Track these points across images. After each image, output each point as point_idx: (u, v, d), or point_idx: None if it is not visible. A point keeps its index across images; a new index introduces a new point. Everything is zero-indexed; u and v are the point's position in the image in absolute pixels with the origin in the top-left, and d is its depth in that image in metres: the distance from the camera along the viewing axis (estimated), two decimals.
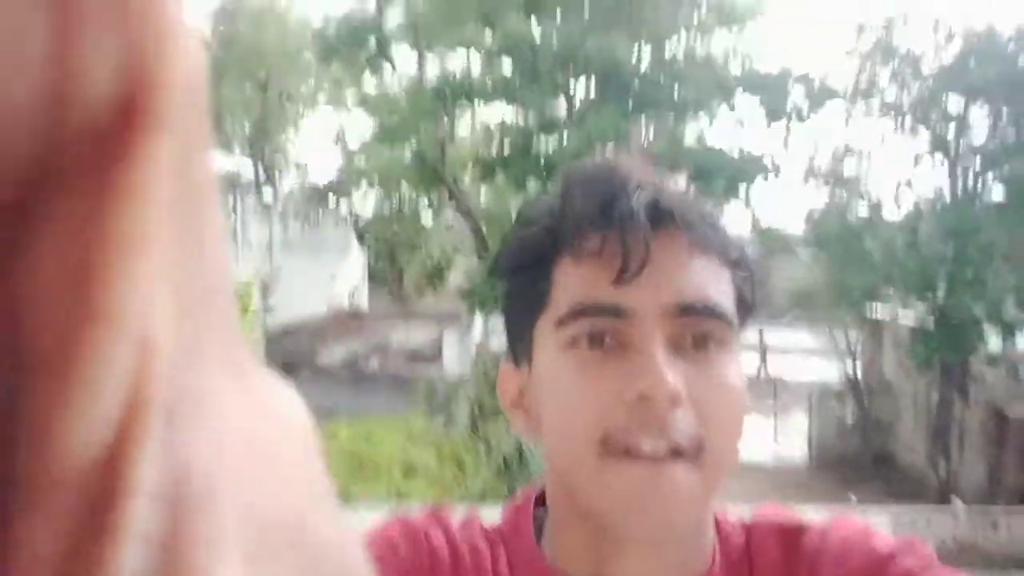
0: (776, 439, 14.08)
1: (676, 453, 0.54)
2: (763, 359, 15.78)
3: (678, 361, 0.55)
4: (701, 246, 0.58)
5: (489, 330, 18.42)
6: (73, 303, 0.11)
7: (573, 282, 0.58)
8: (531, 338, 0.61)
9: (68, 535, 0.11)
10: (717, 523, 0.62)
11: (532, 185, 14.94)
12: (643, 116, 13.95)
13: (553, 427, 0.59)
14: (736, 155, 13.65)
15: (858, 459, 13.24)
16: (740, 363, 0.59)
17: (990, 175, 13.36)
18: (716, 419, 0.56)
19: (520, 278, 0.63)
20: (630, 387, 0.54)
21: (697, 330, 0.57)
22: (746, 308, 0.61)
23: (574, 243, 0.58)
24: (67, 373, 0.11)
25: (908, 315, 13.44)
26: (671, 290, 0.56)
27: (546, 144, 14.52)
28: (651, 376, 0.54)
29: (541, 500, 0.66)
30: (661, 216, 0.57)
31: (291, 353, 14.75)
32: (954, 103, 13.40)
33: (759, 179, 13.85)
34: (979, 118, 13.51)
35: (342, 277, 19.10)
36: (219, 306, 0.13)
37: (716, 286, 0.58)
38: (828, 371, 14.51)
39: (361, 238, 21.00)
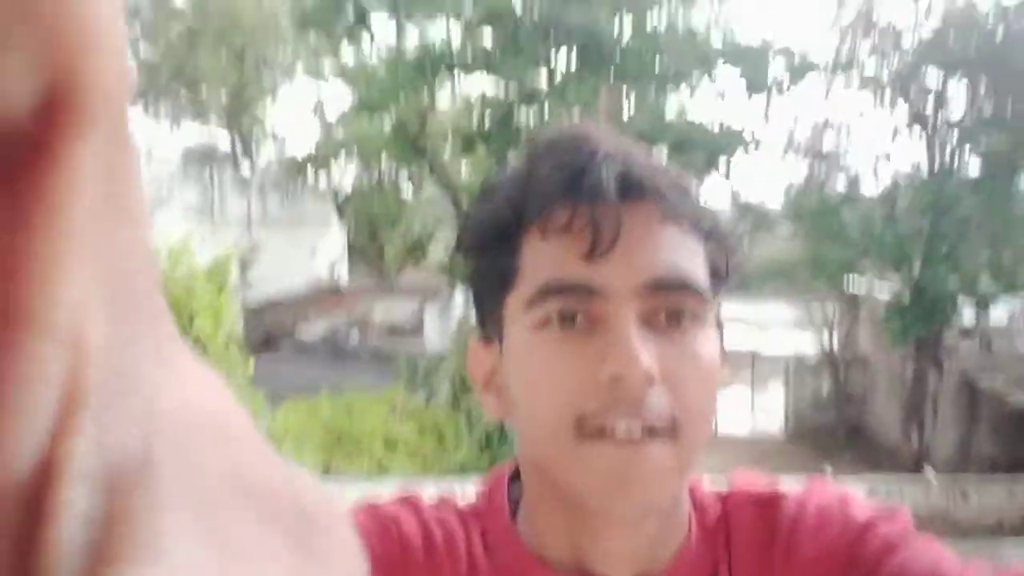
0: (753, 411, 14.25)
1: (651, 432, 0.53)
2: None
3: (651, 338, 0.54)
4: (673, 217, 0.56)
5: (470, 304, 18.45)
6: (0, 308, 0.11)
7: (542, 259, 0.56)
8: (501, 315, 0.59)
9: (9, 538, 0.11)
10: (692, 494, 0.62)
11: (513, 157, 14.88)
12: (623, 87, 13.87)
13: (526, 408, 0.58)
14: (716, 129, 13.65)
15: (834, 431, 13.45)
16: (714, 336, 0.58)
17: (967, 149, 13.46)
18: (690, 396, 0.54)
19: (487, 254, 0.60)
20: (603, 368, 0.53)
21: (670, 306, 0.55)
22: (720, 279, 0.59)
23: (541, 217, 0.56)
24: None
25: (884, 288, 13.59)
26: (643, 266, 0.55)
27: (527, 116, 14.43)
28: (624, 357, 0.52)
29: (516, 476, 0.64)
30: (631, 187, 0.55)
31: (271, 328, 14.69)
32: (932, 77, 13.45)
33: (739, 152, 13.90)
34: (957, 92, 13.60)
35: (322, 251, 19.00)
36: (146, 297, 0.14)
37: (689, 259, 0.56)
38: (805, 344, 14.67)
39: (341, 212, 20.85)
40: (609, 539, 0.58)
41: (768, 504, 0.62)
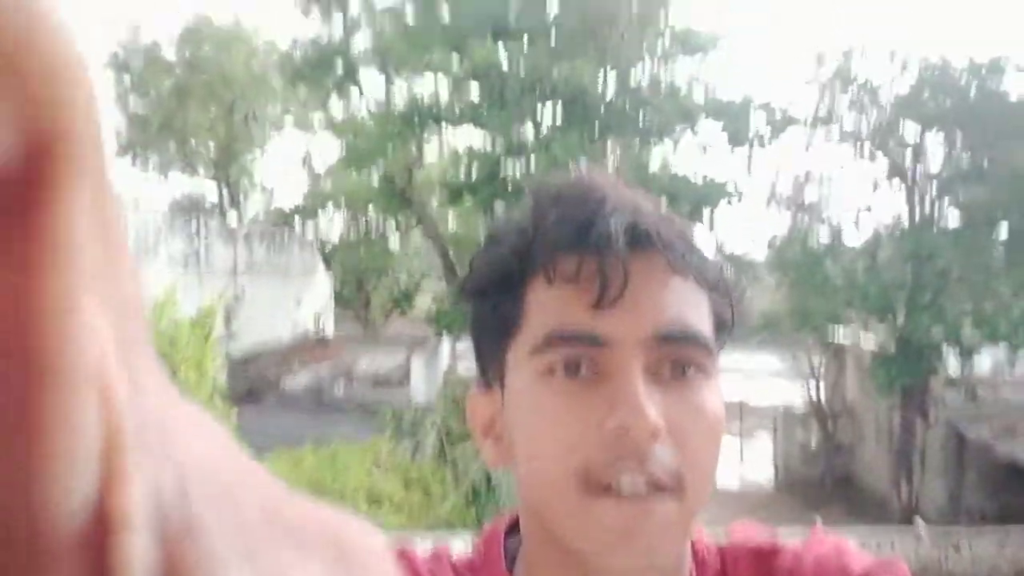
0: (742, 462, 14.17)
1: (656, 487, 0.52)
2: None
3: (656, 389, 0.53)
4: (679, 268, 0.56)
5: (457, 355, 18.33)
6: (20, 364, 0.11)
7: (548, 307, 0.56)
8: (503, 362, 0.59)
9: None
10: (693, 547, 0.61)
11: (499, 209, 14.98)
12: (608, 141, 14.08)
13: (528, 458, 0.57)
14: (700, 181, 13.83)
15: (822, 481, 13.38)
16: (718, 389, 0.57)
17: (946, 201, 13.68)
18: (695, 450, 0.54)
19: (490, 300, 0.60)
20: (609, 420, 0.52)
21: (676, 357, 0.55)
22: (724, 331, 0.59)
23: (548, 265, 0.56)
24: (33, 438, 0.11)
25: (869, 338, 13.66)
26: (650, 317, 0.54)
27: (513, 168, 14.58)
28: (630, 409, 0.52)
29: (513, 529, 0.63)
30: (639, 238, 0.55)
31: (255, 379, 14.55)
32: (911, 131, 13.74)
33: (722, 204, 14.06)
34: (935, 146, 13.87)
35: (308, 302, 18.94)
36: (140, 338, 0.14)
37: (695, 311, 0.56)
38: (792, 394, 14.68)
39: (328, 262, 20.83)
40: None
41: (766, 556, 0.61)
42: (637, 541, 0.53)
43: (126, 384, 0.12)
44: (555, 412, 0.55)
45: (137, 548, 0.12)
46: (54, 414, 0.11)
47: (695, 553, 0.61)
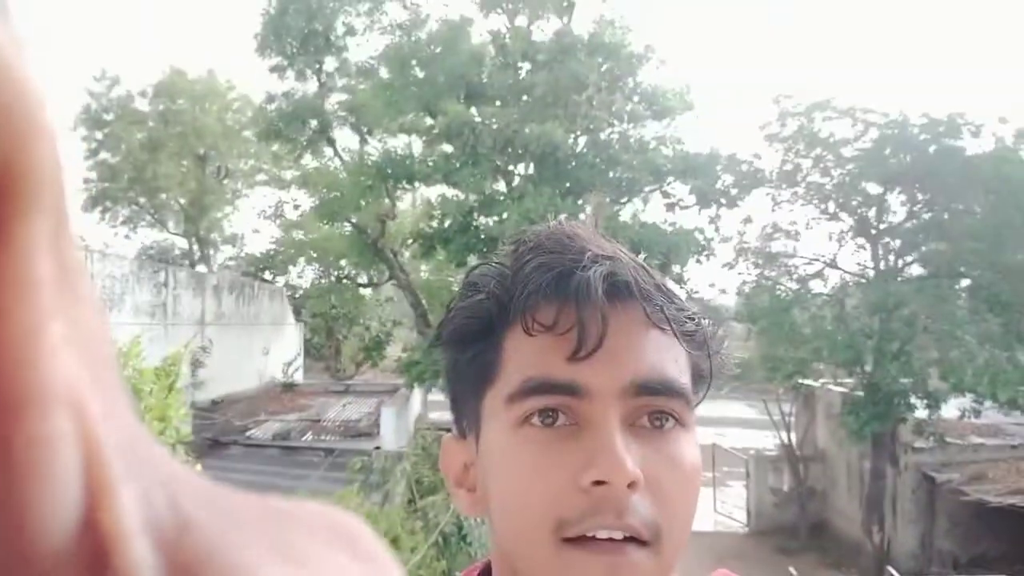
0: (715, 508, 14.07)
1: (633, 539, 0.52)
2: None
3: (634, 440, 0.54)
4: (658, 320, 0.56)
5: (428, 405, 18.11)
6: None
7: (525, 356, 0.56)
8: (479, 411, 0.59)
9: None
10: None
11: (472, 261, 15.05)
12: (579, 197, 14.28)
13: (503, 508, 0.57)
14: (669, 229, 14.04)
15: (795, 527, 13.30)
16: (694, 440, 0.58)
17: (909, 256, 13.98)
18: (672, 501, 0.54)
19: (467, 348, 0.60)
20: (586, 472, 0.52)
21: (654, 408, 0.55)
22: (702, 381, 0.60)
23: (526, 314, 0.56)
24: (9, 461, 0.11)
25: (839, 386, 13.79)
26: (628, 368, 0.54)
27: (486, 220, 14.72)
28: (608, 461, 0.52)
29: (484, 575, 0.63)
30: (618, 288, 0.55)
31: (222, 428, 14.23)
32: (873, 186, 14.10)
33: (692, 254, 14.24)
34: (897, 202, 14.24)
35: (276, 351, 18.71)
36: (108, 364, 0.14)
37: (673, 362, 0.56)
38: (764, 442, 14.69)
39: (297, 311, 20.66)
40: None
41: None
42: None
43: (100, 402, 0.12)
44: (531, 462, 0.54)
45: (136, 554, 0.12)
46: (29, 435, 0.11)
47: None
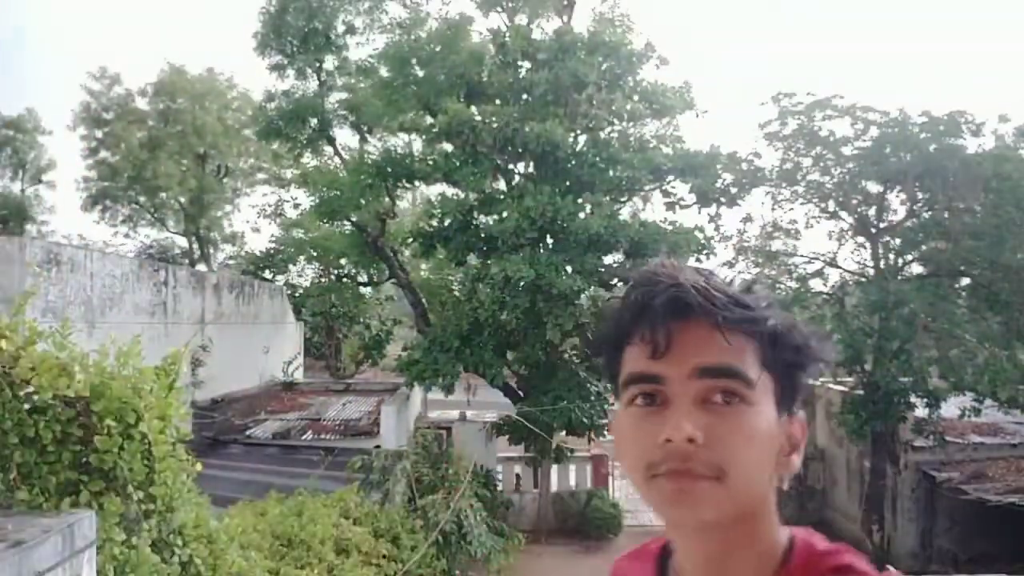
0: None
1: (695, 475, 0.77)
2: None
3: (704, 413, 0.79)
4: (719, 326, 0.80)
5: (428, 403, 18.06)
6: None
7: (629, 359, 0.85)
8: (619, 396, 0.87)
9: None
10: (800, 548, 0.87)
11: (472, 259, 14.99)
12: (579, 196, 14.21)
13: (622, 457, 0.86)
14: (669, 229, 13.97)
15: (796, 525, 13.25)
16: (764, 413, 0.80)
17: (909, 254, 13.95)
18: (732, 452, 0.78)
19: (606, 357, 0.90)
20: (660, 433, 0.79)
21: (722, 388, 0.80)
22: (778, 368, 0.82)
23: (629, 332, 0.85)
24: None
25: (839, 385, 13.76)
26: (691, 360, 0.80)
27: (486, 218, 14.65)
28: (673, 425, 0.78)
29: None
30: (682, 309, 0.81)
31: (221, 427, 14.22)
32: (873, 184, 14.06)
33: (692, 256, 14.17)
34: (897, 200, 14.21)
35: (277, 350, 18.70)
36: None
37: (735, 353, 0.80)
38: None
39: (298, 310, 20.61)
40: (694, 543, 0.86)
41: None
42: (679, 504, 0.79)
43: None
44: (631, 430, 0.83)
45: None
46: None
47: (797, 552, 0.86)
